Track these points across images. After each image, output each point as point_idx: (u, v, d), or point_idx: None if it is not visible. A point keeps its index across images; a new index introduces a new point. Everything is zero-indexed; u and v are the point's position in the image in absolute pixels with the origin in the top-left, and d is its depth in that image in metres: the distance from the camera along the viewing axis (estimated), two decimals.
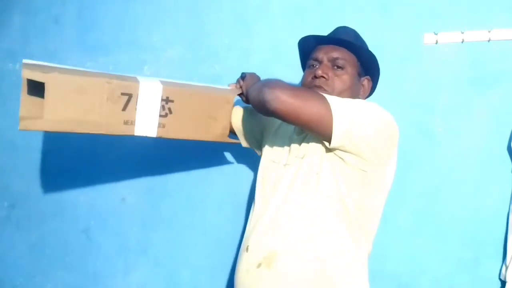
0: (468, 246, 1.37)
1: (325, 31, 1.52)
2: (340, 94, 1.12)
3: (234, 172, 1.60)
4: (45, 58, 1.83)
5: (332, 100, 1.01)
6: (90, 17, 1.80)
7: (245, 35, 1.62)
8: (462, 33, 1.38)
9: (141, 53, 1.73)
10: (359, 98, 1.19)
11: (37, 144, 1.83)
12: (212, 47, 1.65)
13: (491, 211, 1.35)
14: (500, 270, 1.33)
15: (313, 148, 1.09)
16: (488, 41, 1.36)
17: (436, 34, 1.40)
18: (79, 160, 1.78)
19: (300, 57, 1.30)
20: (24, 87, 1.07)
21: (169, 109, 1.20)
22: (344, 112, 1.00)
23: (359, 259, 1.09)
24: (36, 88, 1.07)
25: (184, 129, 1.23)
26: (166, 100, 1.19)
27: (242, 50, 1.62)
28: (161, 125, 1.19)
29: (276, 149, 1.22)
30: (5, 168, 1.90)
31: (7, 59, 1.92)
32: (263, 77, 1.58)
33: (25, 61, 1.08)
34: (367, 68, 1.20)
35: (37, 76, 1.03)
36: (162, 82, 1.20)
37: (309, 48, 1.23)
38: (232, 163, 1.62)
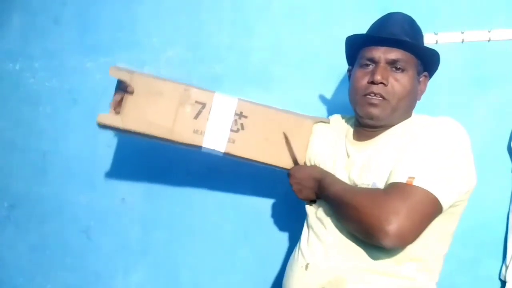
0: (468, 246, 1.37)
1: (326, 31, 1.52)
2: (400, 100, 1.02)
3: (234, 172, 1.60)
4: (45, 58, 1.85)
5: (435, 186, 0.90)
6: (90, 17, 1.80)
7: (245, 35, 1.61)
8: (462, 33, 1.38)
9: (141, 53, 1.72)
10: (417, 99, 1.09)
11: (37, 144, 1.83)
12: (212, 47, 1.65)
13: (491, 211, 1.35)
14: (500, 270, 1.33)
15: (384, 176, 0.97)
16: (488, 41, 1.36)
17: (436, 34, 1.40)
18: (79, 160, 1.78)
19: (346, 50, 1.15)
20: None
21: (242, 124, 1.16)
22: (449, 194, 0.92)
23: None
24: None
25: (255, 149, 1.18)
26: (240, 115, 1.16)
27: (242, 50, 1.61)
28: (231, 140, 1.16)
29: (327, 156, 1.12)
30: (5, 168, 1.90)
31: (6, 59, 1.91)
32: (262, 76, 1.59)
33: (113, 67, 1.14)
34: (426, 64, 1.08)
35: (122, 75, 1.11)
36: (239, 98, 1.18)
37: (358, 42, 1.08)
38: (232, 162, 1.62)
